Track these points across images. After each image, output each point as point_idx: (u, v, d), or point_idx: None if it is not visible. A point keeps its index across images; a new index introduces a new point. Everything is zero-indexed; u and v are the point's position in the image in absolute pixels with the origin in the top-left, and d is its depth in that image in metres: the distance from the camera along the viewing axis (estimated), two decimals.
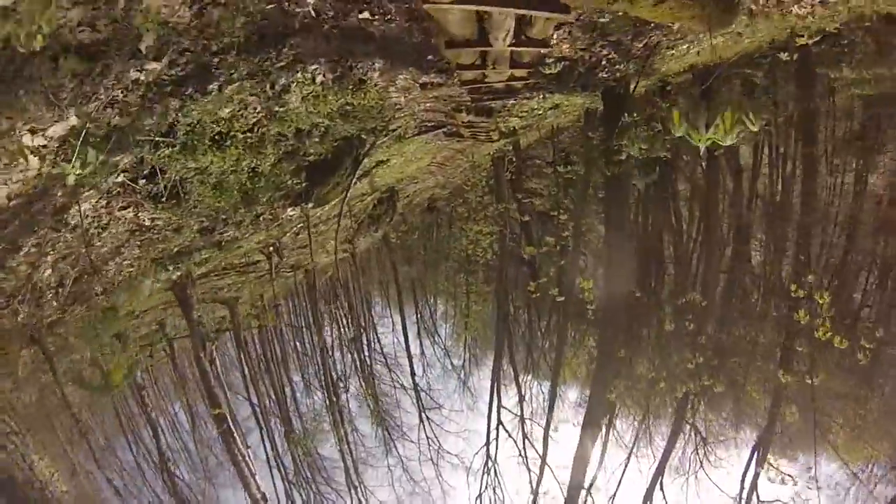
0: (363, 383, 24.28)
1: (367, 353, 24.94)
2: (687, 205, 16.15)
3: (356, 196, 15.04)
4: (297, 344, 23.79)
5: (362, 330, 25.22)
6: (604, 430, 14.98)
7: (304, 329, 22.88)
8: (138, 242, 7.48)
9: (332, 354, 24.39)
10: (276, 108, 5.14)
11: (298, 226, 14.36)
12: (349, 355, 24.97)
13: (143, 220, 6.85)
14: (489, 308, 23.48)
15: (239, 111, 5.16)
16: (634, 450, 15.92)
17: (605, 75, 6.73)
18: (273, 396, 22.85)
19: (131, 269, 8.32)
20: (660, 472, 14.48)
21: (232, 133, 5.34)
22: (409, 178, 16.92)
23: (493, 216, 17.02)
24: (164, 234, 7.53)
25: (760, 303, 14.89)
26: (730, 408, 15.78)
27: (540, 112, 9.25)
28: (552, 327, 21.26)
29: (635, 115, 7.62)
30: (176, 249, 8.25)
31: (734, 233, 15.18)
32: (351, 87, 5.36)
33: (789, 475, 14.07)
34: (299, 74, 4.78)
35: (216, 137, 5.24)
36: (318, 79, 4.97)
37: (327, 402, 23.12)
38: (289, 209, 7.75)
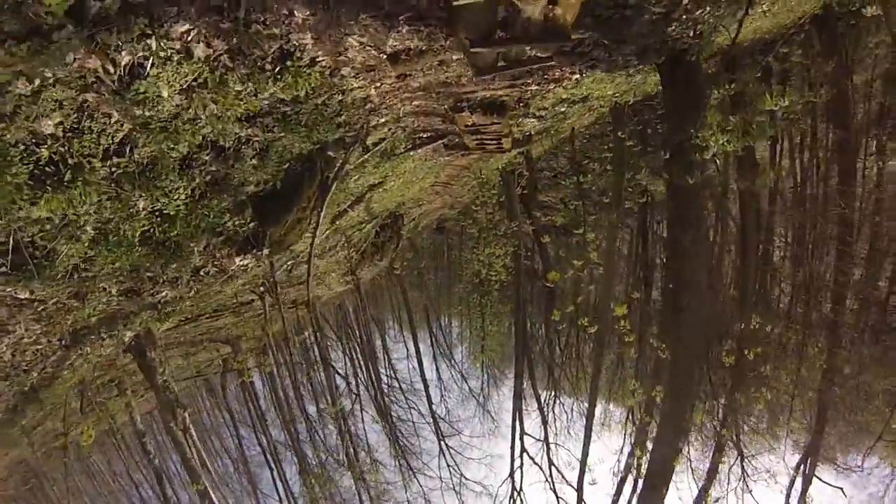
0: (378, 415, 22.18)
1: (380, 383, 22.83)
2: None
3: (353, 225, 12.71)
4: (308, 379, 21.41)
5: (374, 359, 23.03)
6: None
7: (313, 364, 20.47)
8: (31, 319, 5.19)
9: (339, 387, 22.14)
10: (137, 110, 2.75)
11: (289, 263, 12.17)
12: (363, 386, 22.84)
13: (19, 295, 4.54)
14: (505, 327, 21.18)
15: (77, 122, 2.78)
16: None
17: (676, 31, 4.31)
18: (286, 433, 20.67)
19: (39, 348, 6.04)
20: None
21: (73, 162, 2.94)
22: (412, 200, 14.48)
23: (506, 235, 14.51)
24: (64, 305, 5.20)
25: None
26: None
27: (562, 109, 6.85)
28: (583, 356, 18.76)
29: (720, 91, 5.25)
30: (94, 319, 5.90)
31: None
32: (268, 67, 2.96)
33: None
34: (153, 43, 2.38)
35: (39, 171, 2.85)
36: (199, 52, 2.58)
37: (340, 438, 20.81)
38: (237, 258, 5.38)
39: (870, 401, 12.27)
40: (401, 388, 23.52)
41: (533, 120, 6.72)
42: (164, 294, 5.69)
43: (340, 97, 3.82)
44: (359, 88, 3.80)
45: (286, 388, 20.75)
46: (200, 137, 3.48)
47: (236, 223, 4.95)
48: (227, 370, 17.77)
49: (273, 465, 20.64)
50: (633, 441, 15.57)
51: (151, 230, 4.35)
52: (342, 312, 23.16)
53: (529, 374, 17.67)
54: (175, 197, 4.07)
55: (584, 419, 18.85)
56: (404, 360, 24.35)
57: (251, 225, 5.03)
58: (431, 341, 24.98)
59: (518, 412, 17.71)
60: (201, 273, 5.47)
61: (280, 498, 20.36)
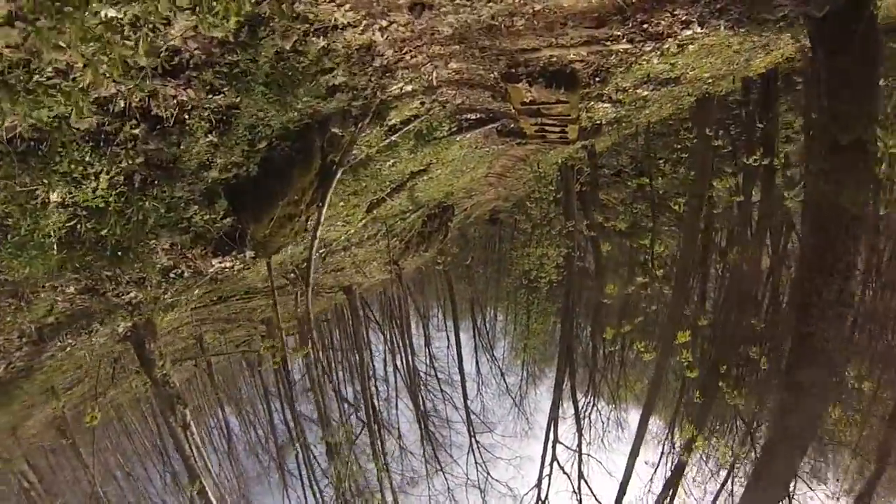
0: (412, 403, 21.01)
1: (416, 372, 21.69)
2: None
3: (395, 214, 11.31)
4: (344, 363, 20.36)
5: (412, 347, 21.82)
6: None
7: (349, 350, 19.37)
8: None
9: (375, 375, 21.07)
10: None
11: (321, 251, 10.98)
12: (397, 374, 21.68)
13: None
14: (550, 325, 19.46)
15: None
16: None
17: None
18: (317, 414, 19.69)
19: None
20: None
21: None
22: (463, 190, 12.91)
23: (561, 236, 12.75)
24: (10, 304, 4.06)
25: None
26: None
27: (645, 93, 5.18)
28: (627, 366, 16.94)
29: None
30: (56, 317, 4.71)
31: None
32: None
33: None
34: None
35: None
36: None
37: (367, 427, 19.70)
38: (214, 260, 4.04)
39: None
40: (437, 378, 22.28)
41: (607, 105, 5.07)
42: (132, 295, 4.43)
43: (321, 42, 2.37)
44: (352, 28, 2.34)
45: (320, 371, 19.78)
46: (90, 100, 2.05)
47: (206, 218, 3.58)
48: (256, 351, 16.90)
49: (298, 446, 19.70)
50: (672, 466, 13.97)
51: (79, 227, 3.02)
52: (385, 298, 21.97)
53: (570, 381, 16.11)
54: (92, 185, 2.70)
55: (619, 429, 17.24)
56: (445, 349, 23.11)
57: (226, 221, 3.65)
58: (474, 333, 23.58)
59: (554, 421, 16.21)
60: (172, 275, 4.16)
61: (303, 476, 19.47)
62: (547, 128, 4.75)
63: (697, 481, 13.06)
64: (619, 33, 2.92)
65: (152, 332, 7.05)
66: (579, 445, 16.07)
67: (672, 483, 12.26)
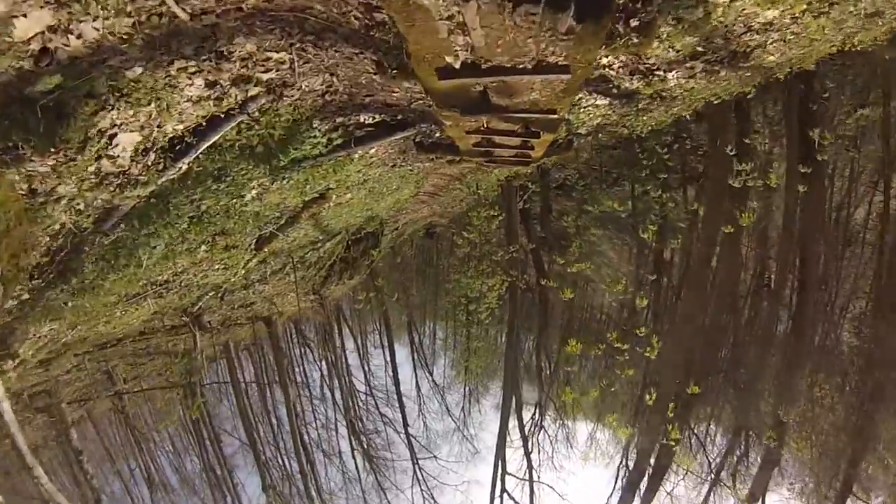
0: (351, 433, 18.49)
1: (354, 394, 19.24)
2: None
3: (303, 245, 8.76)
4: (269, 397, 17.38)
5: (348, 371, 19.26)
6: None
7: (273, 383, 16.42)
8: None
9: (313, 401, 18.41)
10: None
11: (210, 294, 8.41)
12: (335, 401, 18.99)
13: None
14: (491, 344, 17.33)
15: None
16: None
17: None
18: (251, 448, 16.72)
19: None
20: None
21: None
22: (388, 211, 10.38)
23: (502, 263, 10.44)
24: None
25: None
26: None
27: (673, 82, 2.91)
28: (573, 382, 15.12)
29: None
30: None
31: None
32: None
33: None
34: None
35: None
36: None
37: (299, 465, 16.91)
38: None
39: None
40: (376, 402, 19.68)
41: (602, 102, 2.74)
42: None
43: None
44: None
45: (246, 406, 16.81)
46: None
47: None
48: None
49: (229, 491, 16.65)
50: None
51: None
52: (319, 324, 19.15)
53: (517, 413, 14.10)
54: None
55: (569, 447, 15.74)
56: (383, 369, 20.56)
57: None
58: (412, 352, 21.11)
59: (502, 460, 14.22)
60: None
61: None
62: (497, 142, 2.37)
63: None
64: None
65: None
66: (530, 475, 14.60)
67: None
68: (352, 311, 20.88)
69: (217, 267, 6.46)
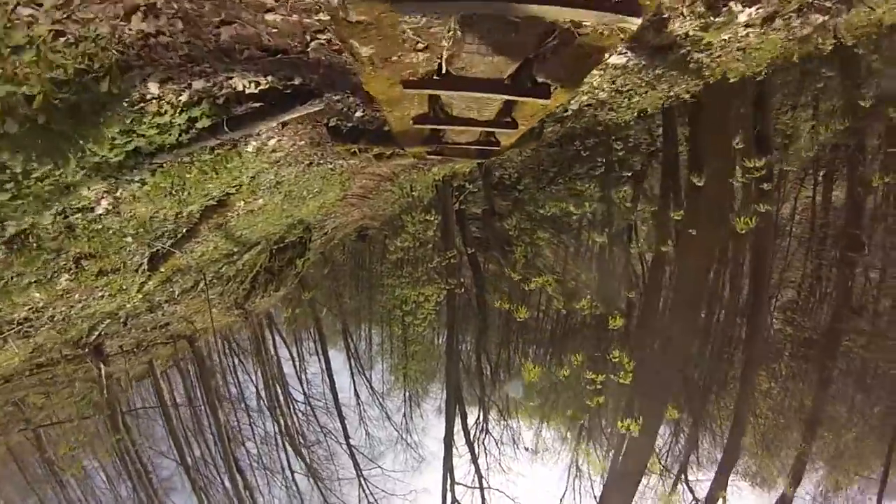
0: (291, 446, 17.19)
1: (291, 406, 17.92)
2: None
3: (217, 259, 7.49)
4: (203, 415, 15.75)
5: (283, 383, 17.87)
6: None
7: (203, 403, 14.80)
8: None
9: (235, 422, 16.95)
10: None
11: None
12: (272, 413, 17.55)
13: None
14: (428, 347, 16.51)
15: None
16: None
17: None
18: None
19: None
20: None
21: None
22: (313, 216, 9.26)
23: (439, 271, 9.55)
24: None
25: None
26: None
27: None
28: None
29: None
30: None
31: None
32: None
33: None
34: None
35: None
36: None
37: (234, 488, 15.41)
38: None
39: None
40: (315, 415, 18.34)
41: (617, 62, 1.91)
42: None
43: None
44: None
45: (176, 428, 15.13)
46: None
47: None
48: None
49: None
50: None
51: None
52: (249, 336, 17.55)
53: (462, 422, 13.40)
54: None
55: (515, 449, 15.15)
56: (320, 377, 19.21)
57: None
58: (348, 358, 19.87)
59: (450, 471, 13.47)
60: None
61: None
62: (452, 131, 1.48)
63: None
64: None
65: None
66: (479, 482, 14.08)
67: None
68: (284, 320, 19.40)
69: (100, 295, 5.20)
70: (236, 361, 17.60)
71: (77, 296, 4.88)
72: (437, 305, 10.06)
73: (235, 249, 7.11)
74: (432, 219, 9.17)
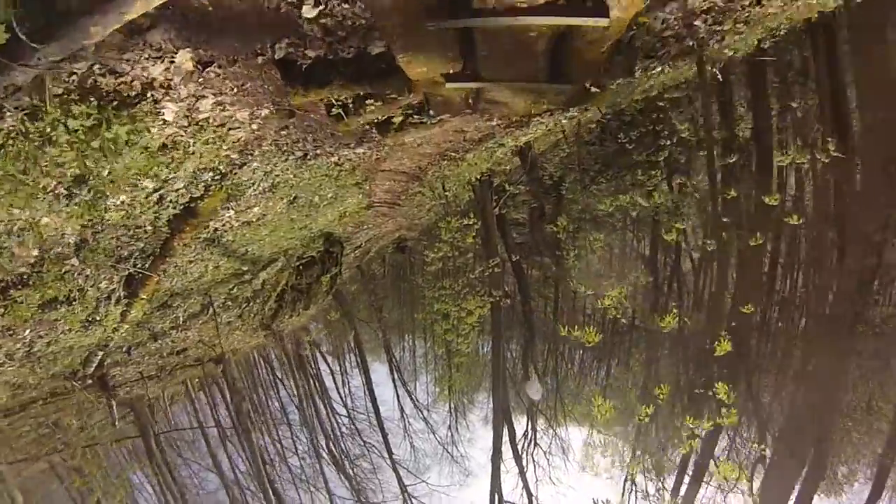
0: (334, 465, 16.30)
1: (335, 422, 17.08)
2: None
3: (224, 280, 6.29)
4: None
5: (325, 398, 17.03)
6: None
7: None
8: None
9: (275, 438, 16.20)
10: None
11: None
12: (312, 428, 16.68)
13: None
14: (473, 358, 15.20)
15: None
16: None
17: None
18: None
19: None
20: None
21: None
22: (343, 225, 8.08)
23: (483, 279, 8.20)
24: None
25: None
26: None
27: None
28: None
29: None
30: None
31: None
32: None
33: None
34: None
35: None
36: None
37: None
38: None
39: None
40: (358, 430, 17.32)
41: None
42: None
43: None
44: None
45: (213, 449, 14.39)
46: None
47: None
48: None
49: None
50: None
51: None
52: (286, 354, 16.70)
53: (510, 440, 12.08)
54: None
55: (565, 459, 14.11)
56: (363, 390, 18.21)
57: None
58: (391, 370, 18.77)
59: (497, 486, 12.17)
60: None
61: None
62: None
63: None
64: None
65: None
66: (528, 498, 12.60)
67: None
68: (325, 337, 18.51)
69: (67, 328, 4.18)
70: (271, 378, 16.84)
71: (27, 332, 3.85)
72: (481, 318, 8.74)
73: (245, 268, 5.99)
74: (471, 223, 7.87)
